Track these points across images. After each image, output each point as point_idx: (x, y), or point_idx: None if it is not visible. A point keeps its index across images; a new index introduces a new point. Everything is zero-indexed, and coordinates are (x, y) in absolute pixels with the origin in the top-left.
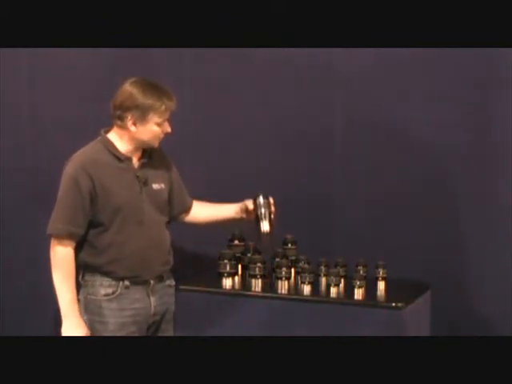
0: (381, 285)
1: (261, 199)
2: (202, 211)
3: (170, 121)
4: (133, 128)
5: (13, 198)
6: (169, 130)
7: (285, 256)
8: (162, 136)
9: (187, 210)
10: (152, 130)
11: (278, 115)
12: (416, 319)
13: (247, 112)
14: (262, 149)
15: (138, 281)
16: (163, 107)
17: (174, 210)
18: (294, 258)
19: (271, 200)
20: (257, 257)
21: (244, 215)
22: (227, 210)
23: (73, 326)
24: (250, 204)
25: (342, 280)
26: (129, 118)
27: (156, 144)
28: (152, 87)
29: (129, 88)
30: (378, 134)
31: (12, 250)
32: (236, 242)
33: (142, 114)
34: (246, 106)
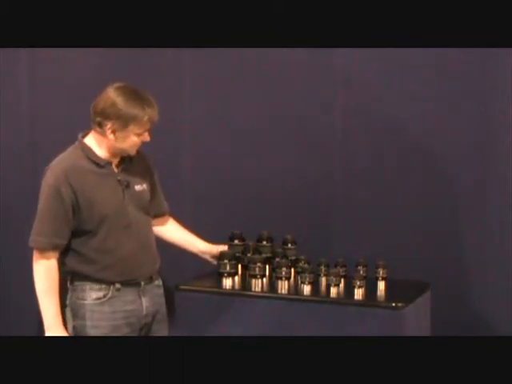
0: (381, 285)
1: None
2: (172, 231)
3: (152, 130)
4: (111, 136)
5: (13, 198)
6: (148, 139)
7: (285, 256)
8: (139, 145)
9: (162, 214)
10: (131, 139)
11: (277, 115)
12: (416, 319)
13: (247, 112)
14: (261, 149)
15: (129, 283)
16: (145, 118)
17: (150, 212)
18: (293, 258)
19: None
20: (257, 257)
21: (208, 258)
22: (194, 246)
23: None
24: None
25: (342, 280)
26: (108, 126)
27: (133, 152)
28: (136, 97)
29: (112, 95)
30: (377, 133)
31: (12, 250)
32: (236, 241)
33: (123, 125)
34: (246, 106)
